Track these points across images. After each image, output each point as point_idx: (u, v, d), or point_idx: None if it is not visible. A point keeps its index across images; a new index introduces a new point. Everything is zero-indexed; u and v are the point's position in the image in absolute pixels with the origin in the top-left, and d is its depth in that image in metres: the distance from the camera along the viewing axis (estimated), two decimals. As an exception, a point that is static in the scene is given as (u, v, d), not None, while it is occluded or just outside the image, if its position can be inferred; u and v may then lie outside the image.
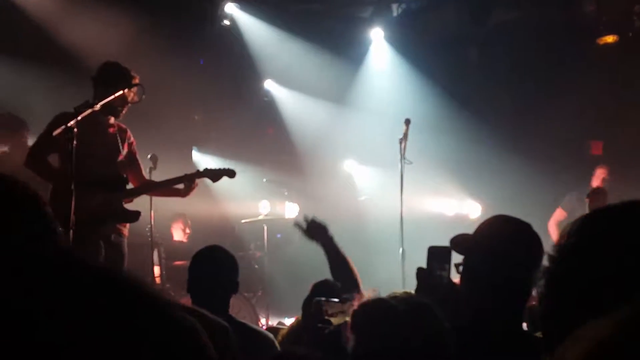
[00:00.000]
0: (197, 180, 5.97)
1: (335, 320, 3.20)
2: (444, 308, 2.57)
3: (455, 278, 2.95)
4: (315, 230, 4.16)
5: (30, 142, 6.42)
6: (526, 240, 2.73)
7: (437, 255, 2.96)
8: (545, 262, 1.35)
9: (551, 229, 8.77)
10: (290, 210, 9.87)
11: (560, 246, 1.35)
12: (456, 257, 2.93)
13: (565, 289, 1.31)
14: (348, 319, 3.19)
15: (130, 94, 5.72)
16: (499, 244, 2.73)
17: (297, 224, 4.19)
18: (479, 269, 2.75)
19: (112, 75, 5.66)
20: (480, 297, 2.73)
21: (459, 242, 2.88)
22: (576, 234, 1.33)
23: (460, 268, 2.86)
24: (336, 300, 3.31)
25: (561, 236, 1.36)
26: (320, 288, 3.96)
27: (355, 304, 3.19)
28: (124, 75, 5.66)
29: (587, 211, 8.59)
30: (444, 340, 2.30)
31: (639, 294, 1.21)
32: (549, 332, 1.35)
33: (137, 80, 5.71)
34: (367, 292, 3.95)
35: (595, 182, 8.98)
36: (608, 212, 1.37)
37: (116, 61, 5.81)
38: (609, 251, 1.26)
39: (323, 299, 3.30)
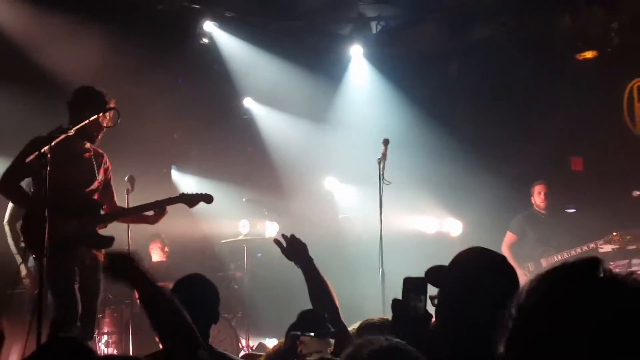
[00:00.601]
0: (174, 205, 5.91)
1: (310, 358, 3.16)
2: (420, 340, 2.54)
3: (432, 309, 2.92)
4: (294, 249, 4.12)
5: None
6: (500, 273, 2.71)
7: (413, 287, 2.93)
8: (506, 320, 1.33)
9: (504, 253, 8.76)
10: (270, 230, 9.81)
11: (520, 305, 1.32)
12: (432, 289, 2.90)
13: (526, 352, 1.28)
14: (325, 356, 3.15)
15: (105, 118, 5.66)
16: (473, 277, 2.71)
17: (276, 242, 4.15)
18: (454, 301, 2.73)
19: (86, 100, 5.63)
20: (455, 329, 2.70)
21: (434, 274, 2.85)
22: (535, 294, 1.31)
23: (436, 300, 2.83)
24: (312, 334, 3.27)
25: (521, 293, 1.34)
26: (306, 317, 3.92)
27: (332, 342, 3.16)
28: (97, 99, 5.62)
29: (534, 229, 8.69)
30: None
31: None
32: None
33: (112, 104, 5.66)
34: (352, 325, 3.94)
35: (537, 199, 8.99)
36: (567, 271, 1.34)
37: (90, 85, 5.77)
38: (570, 315, 1.24)
39: (299, 333, 3.26)
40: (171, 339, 2.81)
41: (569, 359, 1.22)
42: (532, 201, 9.04)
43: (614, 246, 8.35)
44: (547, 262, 8.58)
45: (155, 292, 3.13)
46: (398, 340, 2.31)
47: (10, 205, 6.89)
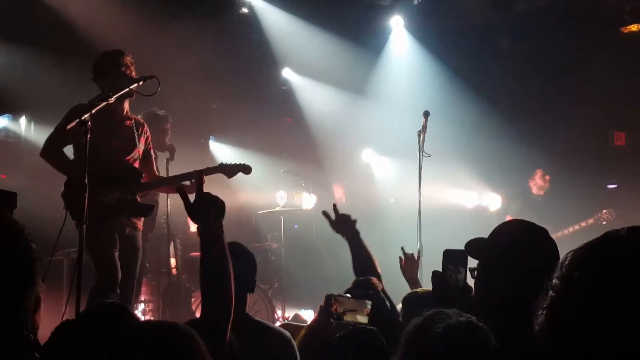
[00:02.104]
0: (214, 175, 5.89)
1: (347, 317, 3.20)
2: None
3: (471, 282, 2.91)
4: (342, 223, 4.19)
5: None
6: (541, 246, 2.68)
7: (453, 259, 2.93)
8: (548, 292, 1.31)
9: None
10: (308, 201, 9.79)
11: (562, 278, 1.30)
12: (472, 261, 2.88)
13: (567, 326, 1.26)
14: (361, 318, 3.18)
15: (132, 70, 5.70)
16: (514, 248, 2.69)
17: (325, 214, 4.22)
18: (493, 274, 2.71)
19: (104, 64, 5.69)
20: (494, 301, 2.69)
21: (474, 247, 2.84)
22: (580, 268, 1.29)
23: (475, 273, 2.81)
24: (348, 295, 3.32)
25: (563, 267, 1.31)
26: (360, 283, 3.95)
27: (368, 303, 3.17)
28: (115, 59, 5.66)
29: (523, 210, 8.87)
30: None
31: None
32: None
33: (129, 57, 5.70)
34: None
35: (539, 181, 9.35)
36: (613, 243, 1.31)
37: (102, 52, 5.82)
38: (614, 290, 1.22)
39: (335, 293, 3.31)
40: (217, 304, 2.77)
41: (611, 327, 1.20)
42: (532, 184, 9.43)
43: (603, 223, 8.49)
44: None
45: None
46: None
47: None
